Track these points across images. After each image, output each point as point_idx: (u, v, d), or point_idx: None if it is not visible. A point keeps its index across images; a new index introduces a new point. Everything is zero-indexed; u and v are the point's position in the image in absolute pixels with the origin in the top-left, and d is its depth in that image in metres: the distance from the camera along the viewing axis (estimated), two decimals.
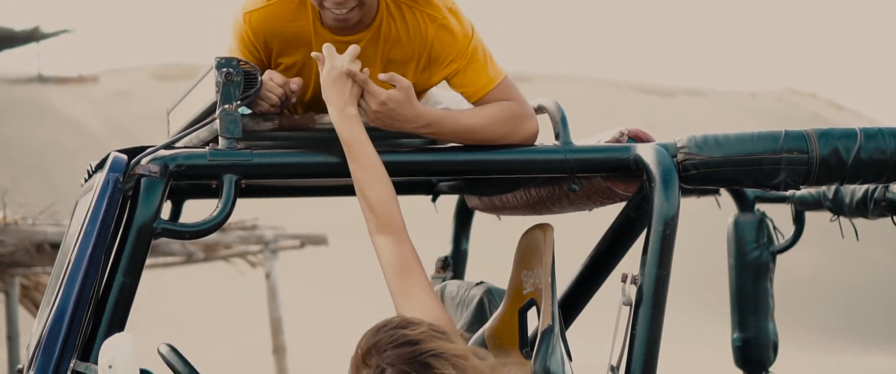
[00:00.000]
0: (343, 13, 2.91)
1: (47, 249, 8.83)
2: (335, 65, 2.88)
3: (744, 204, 4.25)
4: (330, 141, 3.02)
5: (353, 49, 2.90)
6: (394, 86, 2.90)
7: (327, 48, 2.90)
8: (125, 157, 2.89)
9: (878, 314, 29.87)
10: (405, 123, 2.92)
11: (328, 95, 2.88)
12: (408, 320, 2.61)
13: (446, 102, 3.21)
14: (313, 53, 2.93)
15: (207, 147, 2.90)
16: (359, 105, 2.90)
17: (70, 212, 3.35)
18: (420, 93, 3.10)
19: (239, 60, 2.88)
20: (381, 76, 2.91)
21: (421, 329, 2.57)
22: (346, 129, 2.87)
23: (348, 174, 3.00)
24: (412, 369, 2.51)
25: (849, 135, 2.97)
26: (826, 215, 4.04)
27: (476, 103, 3.03)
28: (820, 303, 30.12)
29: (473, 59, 3.01)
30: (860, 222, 3.97)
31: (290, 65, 3.05)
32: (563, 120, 3.05)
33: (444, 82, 3.11)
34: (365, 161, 2.87)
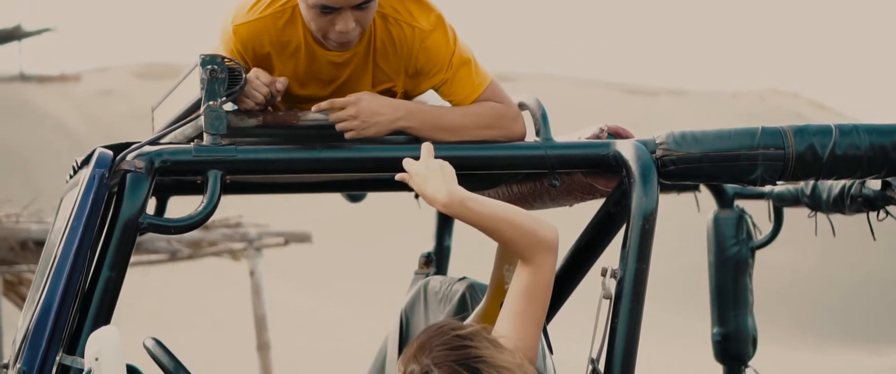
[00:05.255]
0: (346, 40, 2.98)
1: (31, 246, 8.83)
2: (421, 169, 2.82)
3: (723, 200, 4.30)
4: (314, 137, 3.06)
5: (427, 148, 2.87)
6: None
7: (405, 163, 2.86)
8: (111, 153, 2.91)
9: (861, 313, 29.99)
10: (385, 114, 2.96)
11: (429, 189, 2.78)
12: (463, 324, 2.66)
13: (430, 102, 3.26)
14: (404, 160, 2.85)
15: (192, 143, 2.93)
16: (340, 127, 2.95)
17: (54, 210, 3.38)
18: (408, 100, 3.17)
19: (223, 57, 2.91)
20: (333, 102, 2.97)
21: (474, 334, 2.61)
22: (465, 208, 2.77)
23: (331, 170, 3.05)
24: (459, 372, 2.55)
25: (824, 131, 3.02)
26: (807, 215, 4.09)
27: None
28: (805, 302, 30.23)
29: (458, 69, 3.06)
30: (845, 220, 4.01)
31: (282, 72, 3.08)
32: (544, 117, 3.09)
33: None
34: (497, 215, 2.81)
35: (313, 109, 2.99)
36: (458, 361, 2.56)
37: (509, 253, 3.11)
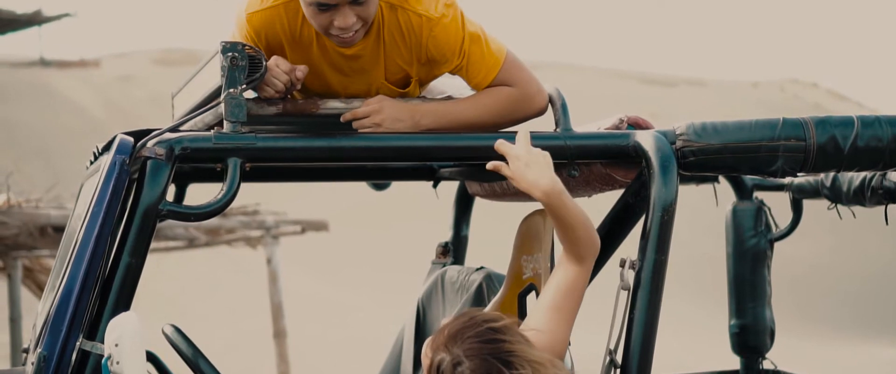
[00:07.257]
0: (349, 36, 2.97)
1: (50, 232, 8.85)
2: (523, 153, 2.77)
3: (742, 192, 4.28)
4: (333, 126, 3.06)
5: (524, 133, 2.82)
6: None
7: (502, 145, 2.81)
8: (131, 139, 2.92)
9: (876, 304, 29.91)
10: (405, 120, 2.99)
11: (531, 175, 2.75)
12: (497, 316, 2.61)
13: (449, 90, 3.25)
14: (497, 143, 2.80)
15: (212, 131, 2.93)
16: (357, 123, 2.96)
17: (73, 195, 3.39)
18: (425, 84, 3.17)
19: (244, 45, 2.91)
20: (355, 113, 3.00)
21: (507, 327, 2.58)
22: (560, 200, 2.74)
23: (350, 158, 3.05)
24: (490, 365, 2.52)
25: (846, 123, 3.00)
26: (827, 207, 4.07)
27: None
28: (820, 294, 30.16)
29: (470, 54, 3.06)
30: (859, 212, 4.00)
31: (295, 62, 3.08)
32: (564, 107, 3.08)
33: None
34: (579, 213, 2.80)
35: (342, 119, 3.00)
36: (491, 354, 2.52)
37: (529, 244, 3.11)
